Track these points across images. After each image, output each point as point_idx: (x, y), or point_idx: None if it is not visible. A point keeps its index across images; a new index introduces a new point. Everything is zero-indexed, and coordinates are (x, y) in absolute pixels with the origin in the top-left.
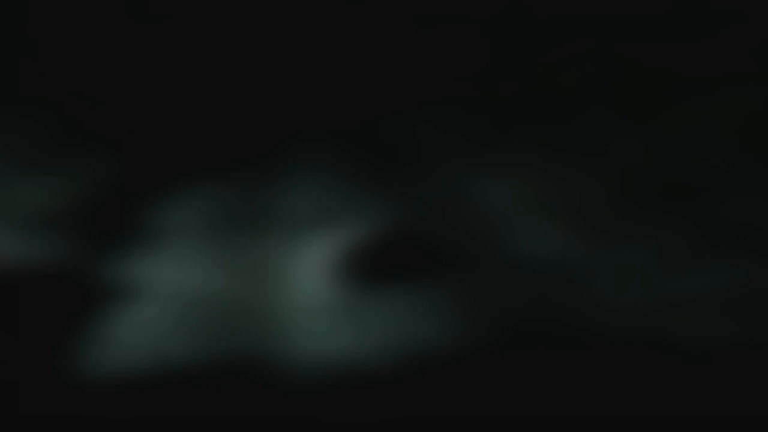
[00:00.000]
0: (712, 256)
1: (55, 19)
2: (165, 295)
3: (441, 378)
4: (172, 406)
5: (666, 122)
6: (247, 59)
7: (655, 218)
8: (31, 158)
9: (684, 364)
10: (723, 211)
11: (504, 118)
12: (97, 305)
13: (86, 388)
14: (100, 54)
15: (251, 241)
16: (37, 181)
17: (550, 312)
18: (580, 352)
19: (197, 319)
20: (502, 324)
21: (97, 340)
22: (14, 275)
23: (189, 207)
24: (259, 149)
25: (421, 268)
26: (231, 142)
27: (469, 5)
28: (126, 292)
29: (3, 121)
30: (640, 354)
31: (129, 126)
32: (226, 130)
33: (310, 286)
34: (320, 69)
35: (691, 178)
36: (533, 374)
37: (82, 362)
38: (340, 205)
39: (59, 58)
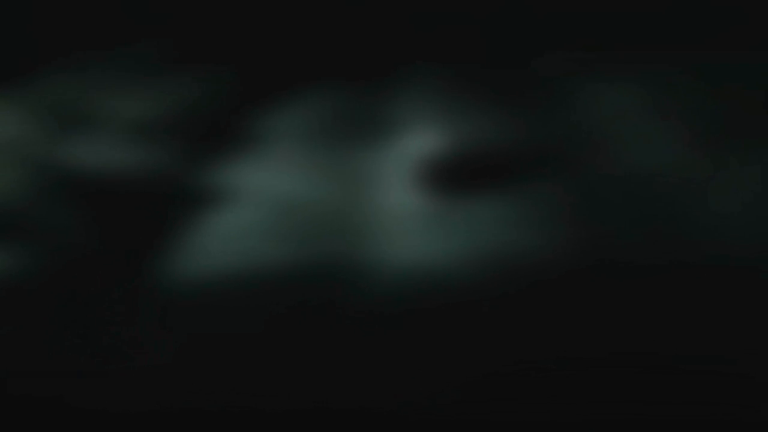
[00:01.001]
0: None
1: None
2: (258, 201)
3: (523, 288)
4: (258, 309)
5: None
6: None
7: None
8: (139, 70)
9: None
10: None
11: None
12: (191, 211)
13: (172, 293)
14: None
15: (350, 149)
16: (143, 92)
17: (644, 232)
18: (668, 276)
19: (288, 224)
20: (592, 239)
21: (188, 245)
22: (112, 181)
23: (293, 115)
24: (370, 62)
25: (516, 176)
26: (340, 53)
27: None
28: (221, 199)
29: (116, 36)
30: (738, 281)
31: (238, 36)
32: (336, 41)
33: (401, 194)
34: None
35: None
36: (617, 297)
37: (170, 266)
38: (444, 116)
39: None
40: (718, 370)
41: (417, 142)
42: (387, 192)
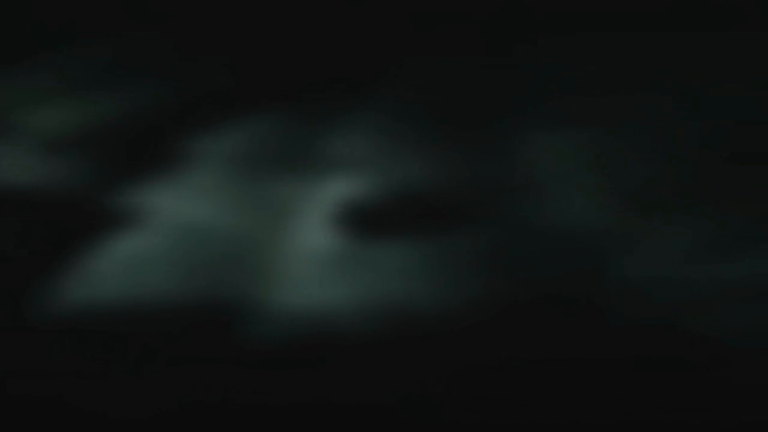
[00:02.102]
0: (758, 243)
1: None
2: (166, 227)
3: (421, 342)
4: (141, 341)
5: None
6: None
7: (708, 196)
8: (73, 79)
9: (697, 353)
10: None
11: (558, 78)
12: (93, 233)
13: (58, 318)
14: None
15: (274, 180)
16: (69, 102)
17: (560, 281)
18: (581, 327)
19: (192, 255)
20: (505, 289)
21: (84, 269)
22: (20, 195)
23: (225, 141)
24: (314, 91)
25: (439, 224)
26: (286, 79)
27: None
28: (128, 222)
29: (53, 47)
30: (652, 338)
31: (180, 51)
32: (284, 66)
33: (317, 234)
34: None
35: (755, 151)
36: (527, 345)
37: (60, 291)
38: (376, 155)
39: None
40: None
41: (345, 181)
42: (303, 231)
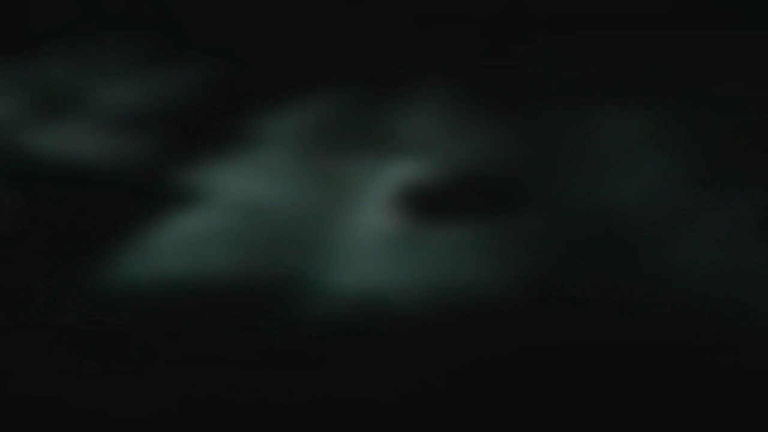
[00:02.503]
0: None
1: None
2: (228, 205)
3: (474, 324)
4: (197, 317)
5: None
6: None
7: (761, 181)
8: (138, 58)
9: (751, 337)
10: None
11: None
12: (155, 210)
13: (116, 294)
14: None
15: (335, 161)
16: (136, 80)
17: (614, 265)
18: (630, 312)
19: (250, 233)
20: (558, 274)
21: (144, 245)
22: (80, 171)
23: (290, 119)
24: (380, 70)
25: (496, 207)
26: (352, 57)
27: None
28: (191, 200)
29: (121, 25)
30: (707, 322)
31: (243, 32)
32: (349, 44)
33: (376, 215)
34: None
35: None
36: (574, 331)
37: (121, 266)
38: (436, 138)
39: None
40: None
41: (405, 164)
42: (362, 212)
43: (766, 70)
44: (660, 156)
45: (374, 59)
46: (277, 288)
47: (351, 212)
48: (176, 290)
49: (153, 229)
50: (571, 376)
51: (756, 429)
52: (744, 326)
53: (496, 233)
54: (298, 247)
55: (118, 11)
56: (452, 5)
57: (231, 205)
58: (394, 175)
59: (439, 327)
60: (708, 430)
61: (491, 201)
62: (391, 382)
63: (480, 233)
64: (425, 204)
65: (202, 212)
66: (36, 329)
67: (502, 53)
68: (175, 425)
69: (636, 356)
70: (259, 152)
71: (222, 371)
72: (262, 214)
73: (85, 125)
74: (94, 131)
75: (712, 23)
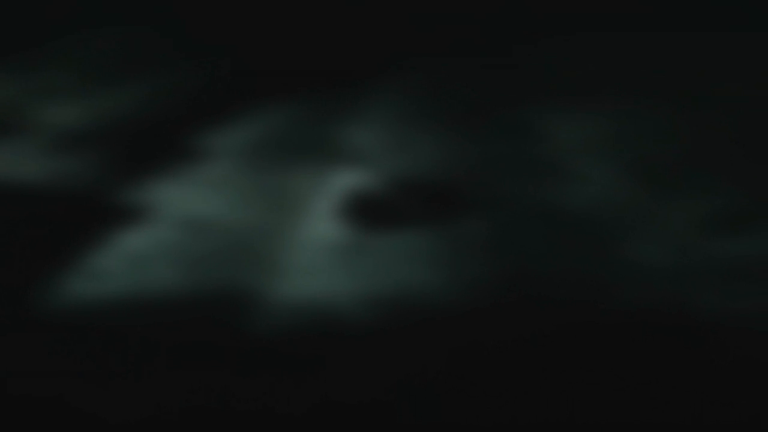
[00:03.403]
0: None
1: None
2: (174, 221)
3: (425, 331)
4: (145, 338)
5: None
6: None
7: (717, 178)
8: (85, 79)
9: (700, 334)
10: None
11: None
12: (102, 228)
13: (61, 316)
14: None
15: (281, 173)
16: (84, 98)
17: (564, 266)
18: (587, 313)
19: (197, 248)
20: (508, 277)
21: (90, 265)
22: (29, 190)
23: (231, 135)
24: (324, 83)
25: (445, 213)
26: (295, 72)
27: None
28: (137, 216)
29: (65, 43)
30: (657, 319)
31: (189, 52)
32: (287, 60)
33: (324, 225)
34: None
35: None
36: (535, 330)
37: (67, 285)
38: (382, 146)
39: None
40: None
41: (352, 173)
42: (310, 222)
43: (722, 71)
44: (610, 157)
45: (319, 72)
46: (226, 302)
47: (298, 224)
48: (123, 308)
49: (99, 246)
50: (521, 377)
51: (703, 416)
52: (694, 320)
53: (445, 239)
54: (246, 261)
55: (61, 31)
56: (403, 14)
57: (177, 221)
58: (340, 185)
59: (390, 334)
60: (657, 422)
61: (439, 207)
62: (344, 389)
63: (428, 239)
64: (372, 212)
65: (149, 229)
66: None
67: (448, 61)
68: None
69: (588, 353)
70: (204, 167)
71: (174, 384)
72: (208, 229)
73: (28, 145)
74: (39, 150)
75: (671, 23)
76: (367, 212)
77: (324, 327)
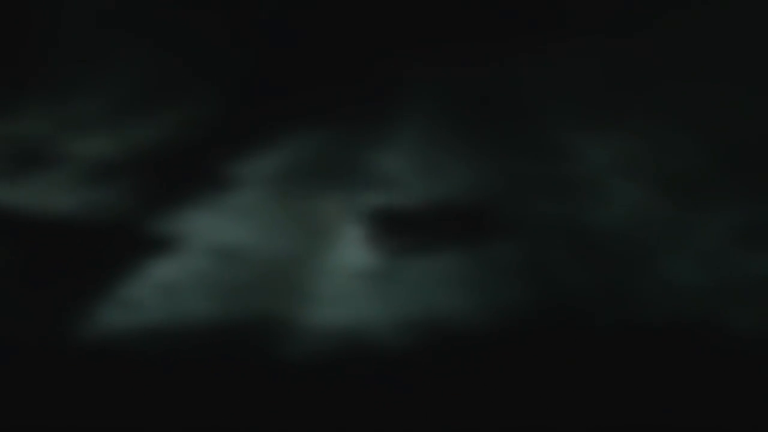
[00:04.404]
0: None
1: None
2: (205, 250)
3: (458, 358)
4: (177, 367)
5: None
6: (352, 17)
7: (749, 195)
8: (116, 107)
9: (734, 350)
10: None
11: (614, 82)
12: (135, 258)
13: (94, 345)
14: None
15: (311, 200)
16: (113, 130)
17: (605, 289)
18: (621, 334)
19: (228, 277)
20: (548, 300)
21: (124, 294)
22: (61, 222)
23: (260, 162)
24: (361, 107)
25: (477, 235)
26: (330, 98)
27: None
28: (168, 246)
29: (96, 73)
30: (692, 337)
31: (218, 82)
32: (326, 86)
33: (355, 251)
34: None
35: None
36: (568, 357)
37: (100, 315)
38: (412, 169)
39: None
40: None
41: (382, 198)
42: (341, 249)
43: (743, 93)
44: (639, 175)
45: (347, 97)
46: (258, 330)
47: (329, 250)
48: (156, 337)
49: (132, 276)
50: (557, 400)
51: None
52: (724, 338)
53: (477, 262)
54: (277, 289)
55: (92, 64)
56: (425, 37)
57: (209, 250)
58: (371, 210)
59: (423, 359)
60: None
61: (470, 230)
62: (378, 416)
63: (460, 263)
64: (403, 237)
65: (180, 258)
66: (15, 378)
67: (479, 83)
68: None
69: (622, 373)
70: (234, 196)
71: (208, 413)
72: (240, 257)
73: (61, 176)
74: (71, 181)
75: (689, 47)
76: (398, 237)
77: (357, 353)
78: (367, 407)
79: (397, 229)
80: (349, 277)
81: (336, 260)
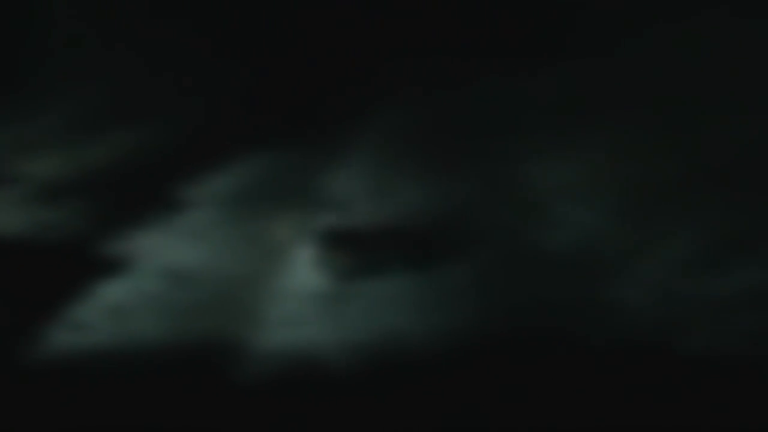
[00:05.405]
0: (744, 257)
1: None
2: (156, 271)
3: (408, 379)
4: (127, 388)
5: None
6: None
7: (701, 214)
8: (67, 128)
9: (687, 369)
10: None
11: (569, 103)
12: (85, 279)
13: (43, 367)
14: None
15: (263, 221)
16: (63, 151)
17: (555, 311)
18: (572, 356)
19: (180, 298)
20: (498, 323)
21: (71, 316)
22: (9, 242)
23: (215, 184)
24: (314, 128)
25: (430, 257)
26: (273, 119)
27: None
28: (120, 267)
29: (48, 93)
30: (646, 354)
31: (168, 104)
32: (267, 107)
33: (307, 272)
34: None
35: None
36: (520, 377)
37: (47, 339)
38: (365, 191)
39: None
40: None
41: (334, 219)
42: (293, 270)
43: (697, 117)
44: (591, 199)
45: (298, 117)
46: (208, 352)
47: (280, 272)
48: (106, 359)
49: (82, 298)
50: (506, 421)
51: None
52: (677, 355)
53: (428, 284)
54: (228, 311)
55: (44, 83)
56: (379, 58)
57: (159, 272)
58: (323, 231)
59: (374, 382)
60: None
61: (421, 252)
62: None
63: (411, 285)
64: (354, 259)
65: (131, 279)
66: None
67: (428, 102)
68: None
69: (571, 393)
70: (185, 217)
71: None
72: (191, 279)
73: (11, 195)
74: (21, 201)
75: (645, 71)
76: (349, 258)
77: (307, 375)
78: (315, 428)
79: (349, 251)
80: (300, 298)
81: (287, 282)
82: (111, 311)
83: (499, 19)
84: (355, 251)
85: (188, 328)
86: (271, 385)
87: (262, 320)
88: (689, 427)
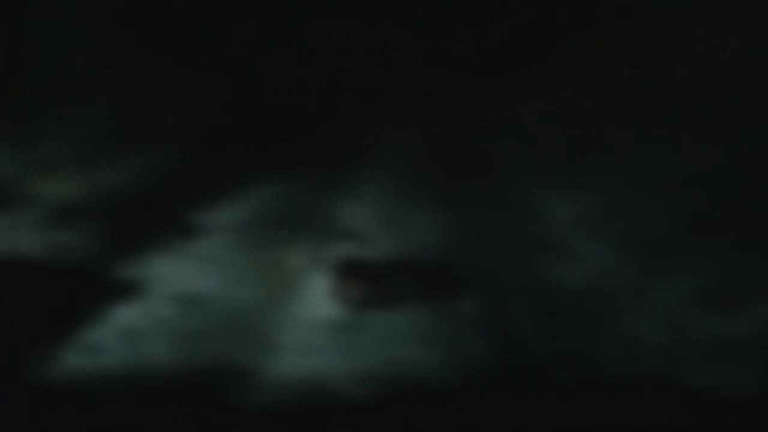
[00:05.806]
0: (756, 296)
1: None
2: (169, 297)
3: (418, 411)
4: (138, 412)
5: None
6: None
7: (710, 254)
8: (85, 154)
9: (691, 406)
10: None
11: (577, 142)
12: (98, 303)
13: (56, 389)
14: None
15: (277, 249)
16: (80, 173)
17: (566, 346)
18: (582, 391)
19: (192, 324)
20: (509, 356)
21: (83, 339)
22: (24, 264)
23: (230, 211)
24: (328, 159)
25: (442, 290)
26: (300, 149)
27: None
28: (133, 291)
29: (64, 116)
30: (651, 393)
31: (182, 129)
32: (297, 137)
33: (318, 302)
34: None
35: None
36: (523, 414)
37: (60, 361)
38: (379, 223)
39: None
40: None
41: (347, 250)
42: (304, 299)
43: (705, 154)
44: (602, 234)
45: (315, 148)
46: (219, 378)
47: (292, 300)
48: (117, 382)
49: (95, 321)
50: None
51: None
52: (683, 395)
53: (439, 316)
54: (240, 337)
55: (60, 107)
56: (389, 91)
57: (172, 297)
58: (335, 262)
59: (383, 412)
60: None
61: (433, 284)
62: None
63: (422, 317)
64: (366, 290)
65: (144, 303)
66: None
67: (446, 140)
68: None
69: (586, 426)
70: (199, 243)
71: None
72: (203, 305)
73: (26, 218)
74: (36, 224)
75: (650, 109)
76: (362, 289)
77: (318, 404)
78: None
79: (361, 282)
80: (311, 327)
81: (299, 310)
82: (124, 335)
83: (517, 44)
84: (368, 282)
85: (200, 353)
86: (282, 412)
87: (274, 347)
88: None
